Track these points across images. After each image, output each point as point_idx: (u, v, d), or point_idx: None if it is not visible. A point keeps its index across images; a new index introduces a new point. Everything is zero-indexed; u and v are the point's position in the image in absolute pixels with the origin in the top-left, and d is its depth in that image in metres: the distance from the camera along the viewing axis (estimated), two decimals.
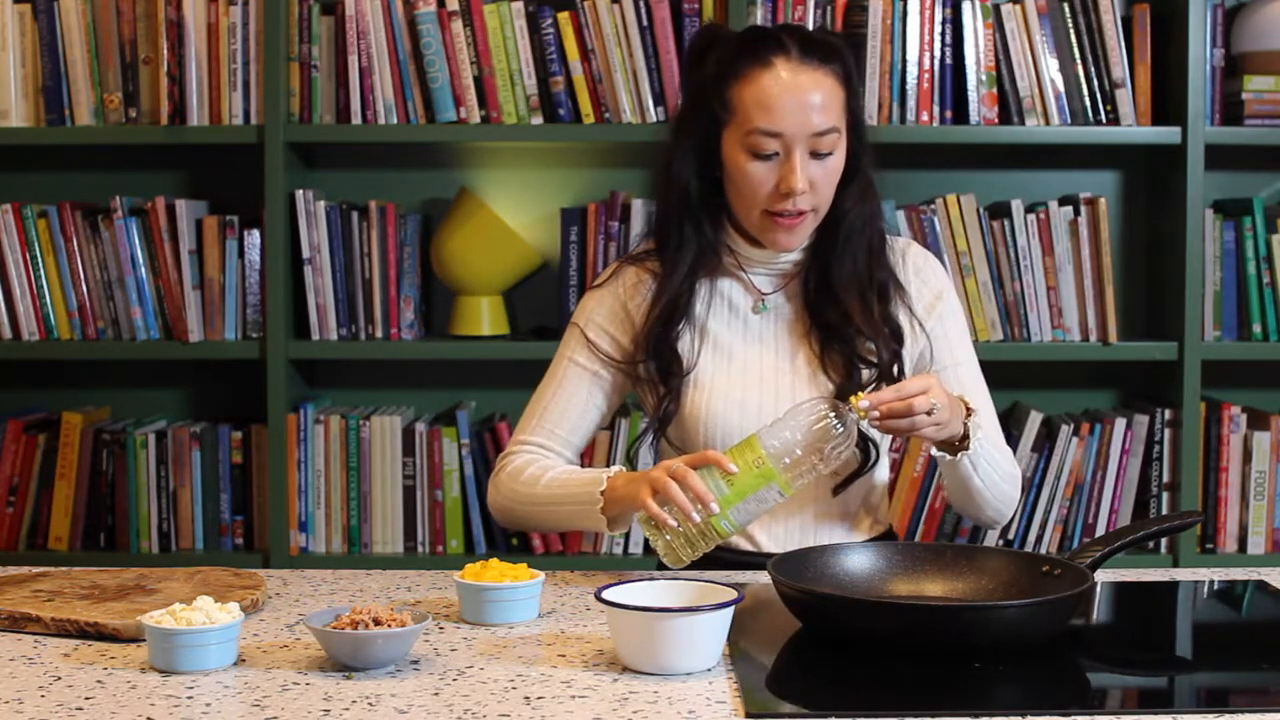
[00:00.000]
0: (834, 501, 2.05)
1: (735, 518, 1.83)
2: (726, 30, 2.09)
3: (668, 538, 1.83)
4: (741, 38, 2.03)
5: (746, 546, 2.04)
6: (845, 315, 2.02)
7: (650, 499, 1.82)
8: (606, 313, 2.10)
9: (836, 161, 1.99)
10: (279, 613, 1.78)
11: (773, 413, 1.96)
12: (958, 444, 1.95)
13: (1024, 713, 1.40)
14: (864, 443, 2.01)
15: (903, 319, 2.06)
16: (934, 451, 1.98)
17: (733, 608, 1.54)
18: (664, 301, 2.04)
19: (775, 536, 2.04)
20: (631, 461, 2.26)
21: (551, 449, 2.08)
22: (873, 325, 2.02)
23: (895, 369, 2.04)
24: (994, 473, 2.00)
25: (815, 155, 1.97)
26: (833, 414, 1.83)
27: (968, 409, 1.95)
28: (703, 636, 1.52)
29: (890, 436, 2.08)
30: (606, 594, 1.56)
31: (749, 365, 2.05)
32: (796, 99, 1.95)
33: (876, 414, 1.84)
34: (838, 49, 2.02)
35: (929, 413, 1.84)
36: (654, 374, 2.05)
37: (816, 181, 1.98)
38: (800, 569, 1.74)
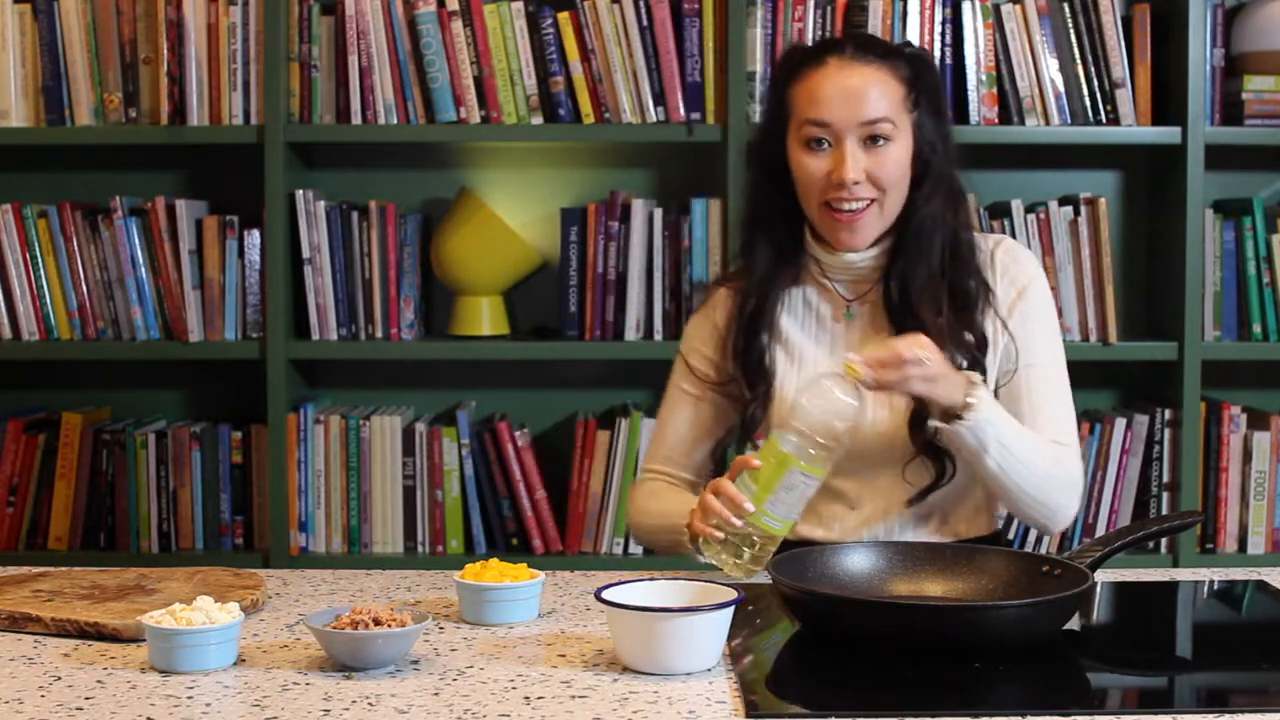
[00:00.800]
0: (911, 510, 2.05)
1: (775, 511, 1.84)
2: (805, 46, 2.14)
3: (724, 555, 1.86)
4: (807, 47, 2.09)
5: (819, 535, 2.06)
6: (921, 322, 2.01)
7: (698, 520, 1.88)
8: (702, 336, 2.17)
9: (895, 154, 2.01)
10: (279, 613, 1.78)
11: (869, 423, 1.99)
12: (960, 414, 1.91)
13: (1024, 713, 1.40)
14: (939, 457, 2.00)
15: (989, 324, 2.05)
16: (935, 422, 1.94)
17: (733, 608, 1.54)
18: (745, 310, 2.10)
19: (852, 534, 2.05)
20: (719, 467, 2.25)
21: (673, 474, 2.17)
22: (946, 332, 2.01)
23: (980, 378, 2.00)
24: (1014, 459, 1.94)
25: (869, 146, 2.00)
26: (829, 383, 1.84)
27: (971, 383, 1.92)
28: (703, 636, 1.52)
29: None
30: (606, 594, 1.56)
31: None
32: (844, 89, 2.01)
33: (868, 371, 1.83)
34: (899, 50, 2.07)
35: (919, 364, 1.85)
36: (742, 383, 2.09)
37: (873, 173, 2.00)
38: (800, 569, 1.74)
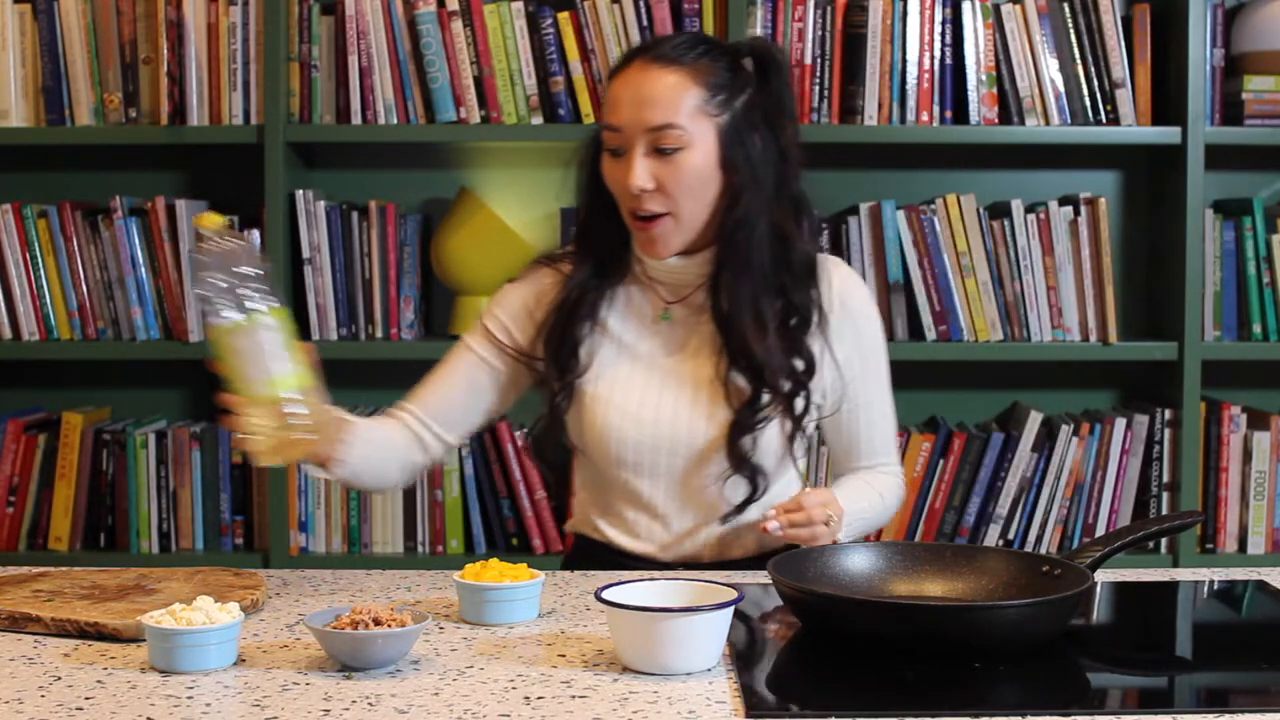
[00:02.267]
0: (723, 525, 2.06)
1: (260, 375, 1.75)
2: (631, 49, 2.09)
3: (281, 446, 1.77)
4: (630, 49, 2.04)
5: (634, 546, 2.06)
6: (746, 340, 1.98)
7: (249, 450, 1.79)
8: (512, 310, 2.10)
9: (689, 161, 1.94)
10: (279, 613, 1.78)
11: (671, 426, 1.99)
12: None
13: (1024, 713, 1.40)
14: (753, 474, 2.01)
15: (815, 348, 2.03)
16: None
17: (733, 608, 1.54)
18: (564, 300, 2.05)
19: (667, 549, 2.06)
20: (544, 459, 2.22)
21: (420, 419, 2.07)
22: (768, 351, 1.98)
23: (802, 402, 2.02)
24: (866, 528, 2.08)
25: (659, 153, 1.94)
26: (201, 247, 1.74)
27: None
28: (703, 636, 1.52)
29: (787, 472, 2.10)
30: (606, 594, 1.56)
31: (651, 377, 2.04)
32: (632, 94, 1.95)
33: (777, 527, 1.91)
34: (727, 49, 2.00)
35: (827, 523, 1.93)
36: (550, 371, 2.05)
37: (664, 181, 1.94)
38: (800, 569, 1.74)
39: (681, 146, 1.94)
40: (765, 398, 1.99)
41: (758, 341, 1.97)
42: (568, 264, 2.09)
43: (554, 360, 2.04)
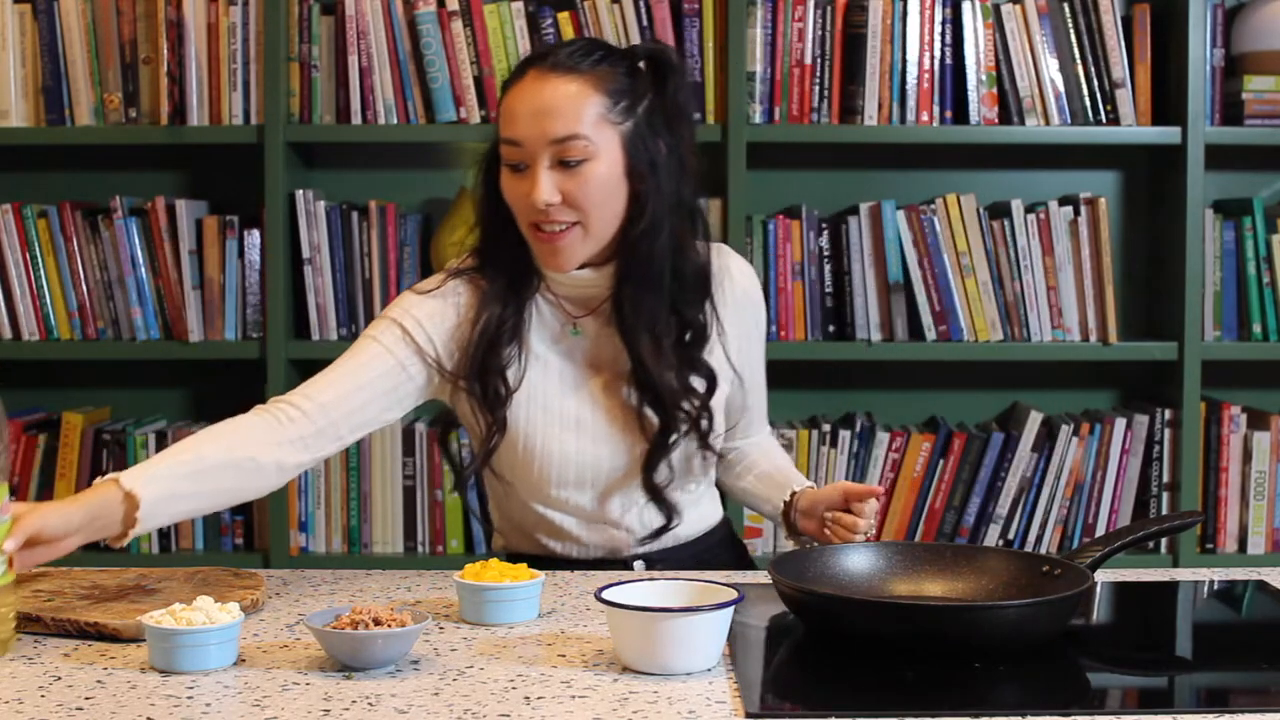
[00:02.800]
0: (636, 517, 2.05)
1: None
2: (525, 58, 2.03)
3: None
4: (524, 58, 1.98)
5: (577, 554, 2.05)
6: (640, 359, 1.94)
7: None
8: (432, 317, 1.97)
9: (597, 172, 1.88)
10: (279, 613, 1.78)
11: (608, 442, 1.98)
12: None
13: (1024, 713, 1.40)
14: (665, 506, 2.01)
15: (715, 359, 2.01)
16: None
17: (732, 608, 1.54)
18: (486, 326, 1.96)
19: (615, 551, 2.06)
20: (464, 488, 2.23)
21: (329, 416, 1.91)
22: (666, 371, 1.95)
23: (707, 420, 2.00)
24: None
25: (564, 165, 1.88)
26: None
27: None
28: (703, 636, 1.52)
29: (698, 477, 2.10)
30: (606, 594, 1.56)
31: (581, 397, 2.00)
32: (532, 105, 1.88)
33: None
34: (623, 53, 1.94)
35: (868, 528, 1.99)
36: (478, 400, 1.97)
37: (570, 193, 1.87)
38: (801, 569, 1.74)
39: (587, 158, 1.87)
40: (671, 423, 1.96)
41: (654, 360, 1.94)
42: (481, 279, 2.00)
43: (483, 392, 1.96)
